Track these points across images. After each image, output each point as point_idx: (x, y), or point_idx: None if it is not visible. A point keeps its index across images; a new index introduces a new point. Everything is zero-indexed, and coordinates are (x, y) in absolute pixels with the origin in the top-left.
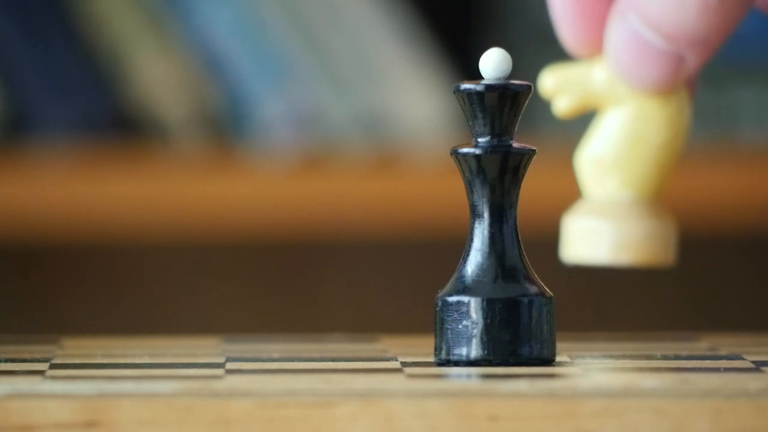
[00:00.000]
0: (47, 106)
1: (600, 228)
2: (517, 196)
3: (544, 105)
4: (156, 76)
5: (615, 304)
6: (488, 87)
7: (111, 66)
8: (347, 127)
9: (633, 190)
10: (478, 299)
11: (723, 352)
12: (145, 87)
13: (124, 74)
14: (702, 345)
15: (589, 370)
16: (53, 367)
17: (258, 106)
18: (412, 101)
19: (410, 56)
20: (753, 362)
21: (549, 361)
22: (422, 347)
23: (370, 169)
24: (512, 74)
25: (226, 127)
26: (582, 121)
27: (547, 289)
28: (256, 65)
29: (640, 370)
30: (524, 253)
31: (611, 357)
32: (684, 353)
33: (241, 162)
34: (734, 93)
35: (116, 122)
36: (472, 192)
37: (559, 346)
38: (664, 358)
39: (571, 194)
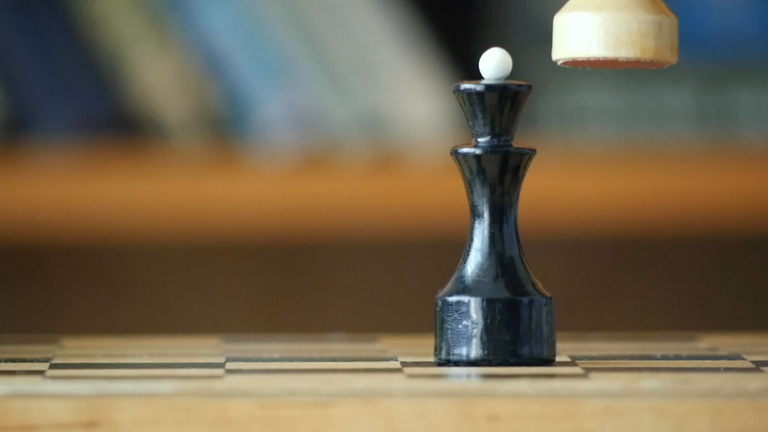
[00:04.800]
0: (47, 106)
1: (593, 20)
2: (517, 196)
3: (544, 105)
4: (156, 76)
5: (615, 304)
6: (488, 87)
7: (111, 66)
8: (347, 127)
9: None
10: (478, 299)
11: (723, 352)
12: (145, 87)
13: (124, 74)
14: (702, 345)
15: (589, 370)
16: (53, 367)
17: (258, 106)
18: (412, 101)
19: (410, 56)
20: (753, 362)
21: (549, 361)
22: (422, 347)
23: (370, 169)
24: (512, 74)
25: (226, 127)
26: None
27: (547, 290)
28: (256, 65)
29: (640, 370)
30: (524, 253)
31: (611, 357)
32: (684, 353)
33: (241, 162)
34: (734, 93)
35: (116, 122)
36: (472, 192)
37: (559, 346)
38: (664, 358)
39: (570, 194)
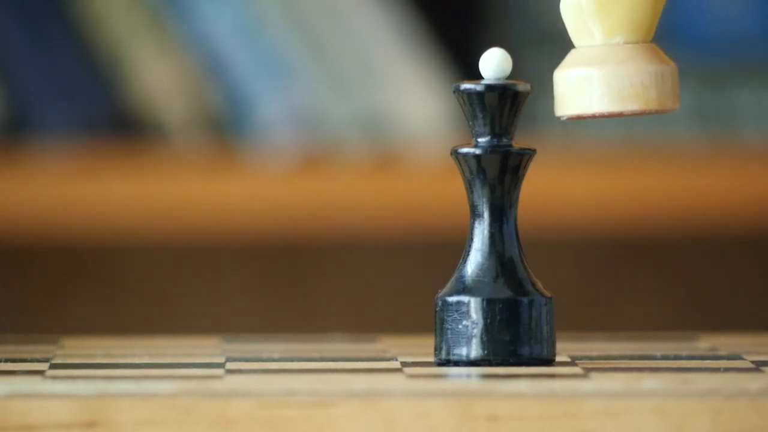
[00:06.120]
0: (47, 106)
1: (594, 76)
2: (517, 196)
3: (544, 105)
4: (156, 76)
5: (615, 304)
6: (488, 87)
7: (111, 66)
8: (347, 127)
9: (621, 35)
10: (478, 299)
11: (723, 352)
12: (145, 87)
13: (124, 74)
14: (702, 345)
15: (589, 370)
16: (53, 367)
17: (258, 106)
18: (412, 101)
19: (410, 56)
20: (753, 362)
21: (549, 361)
22: (422, 347)
23: (370, 169)
24: (512, 74)
25: (226, 127)
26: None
27: (547, 290)
28: (256, 65)
29: (640, 370)
30: (524, 253)
31: (611, 357)
32: (684, 353)
33: (241, 162)
34: (734, 93)
35: (116, 122)
36: (472, 192)
37: (559, 346)
38: (664, 358)
39: (570, 194)
